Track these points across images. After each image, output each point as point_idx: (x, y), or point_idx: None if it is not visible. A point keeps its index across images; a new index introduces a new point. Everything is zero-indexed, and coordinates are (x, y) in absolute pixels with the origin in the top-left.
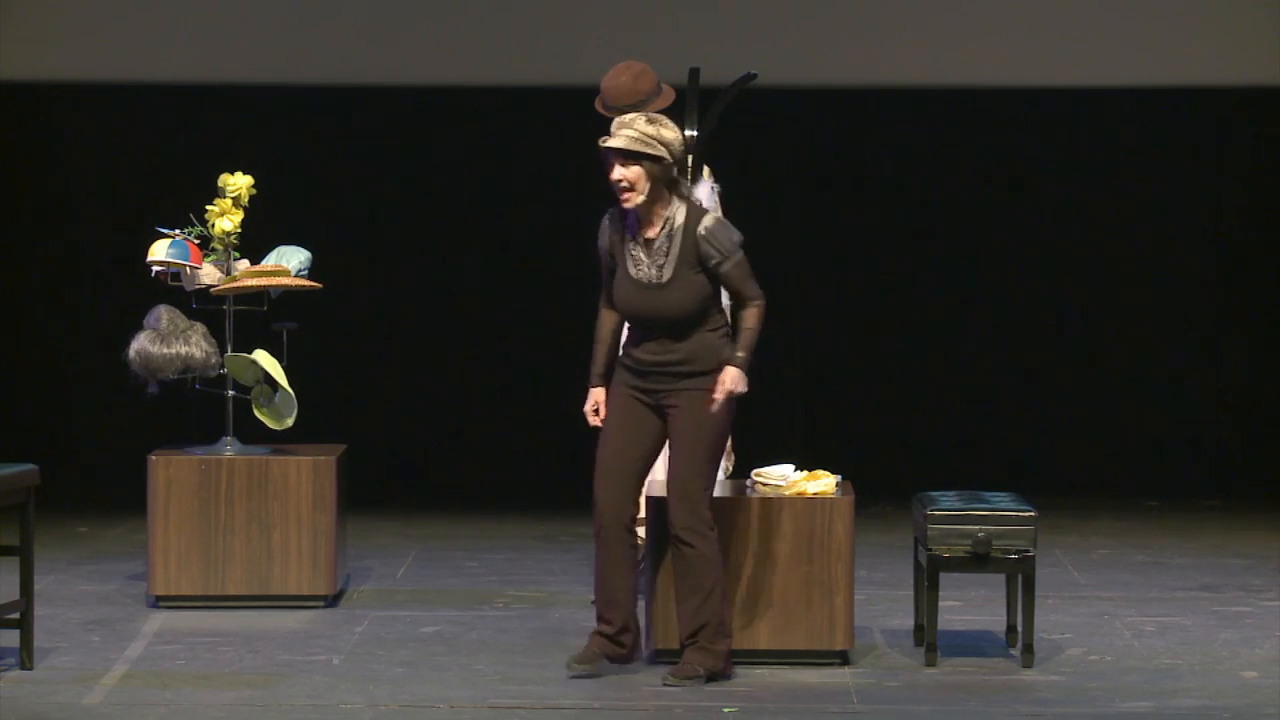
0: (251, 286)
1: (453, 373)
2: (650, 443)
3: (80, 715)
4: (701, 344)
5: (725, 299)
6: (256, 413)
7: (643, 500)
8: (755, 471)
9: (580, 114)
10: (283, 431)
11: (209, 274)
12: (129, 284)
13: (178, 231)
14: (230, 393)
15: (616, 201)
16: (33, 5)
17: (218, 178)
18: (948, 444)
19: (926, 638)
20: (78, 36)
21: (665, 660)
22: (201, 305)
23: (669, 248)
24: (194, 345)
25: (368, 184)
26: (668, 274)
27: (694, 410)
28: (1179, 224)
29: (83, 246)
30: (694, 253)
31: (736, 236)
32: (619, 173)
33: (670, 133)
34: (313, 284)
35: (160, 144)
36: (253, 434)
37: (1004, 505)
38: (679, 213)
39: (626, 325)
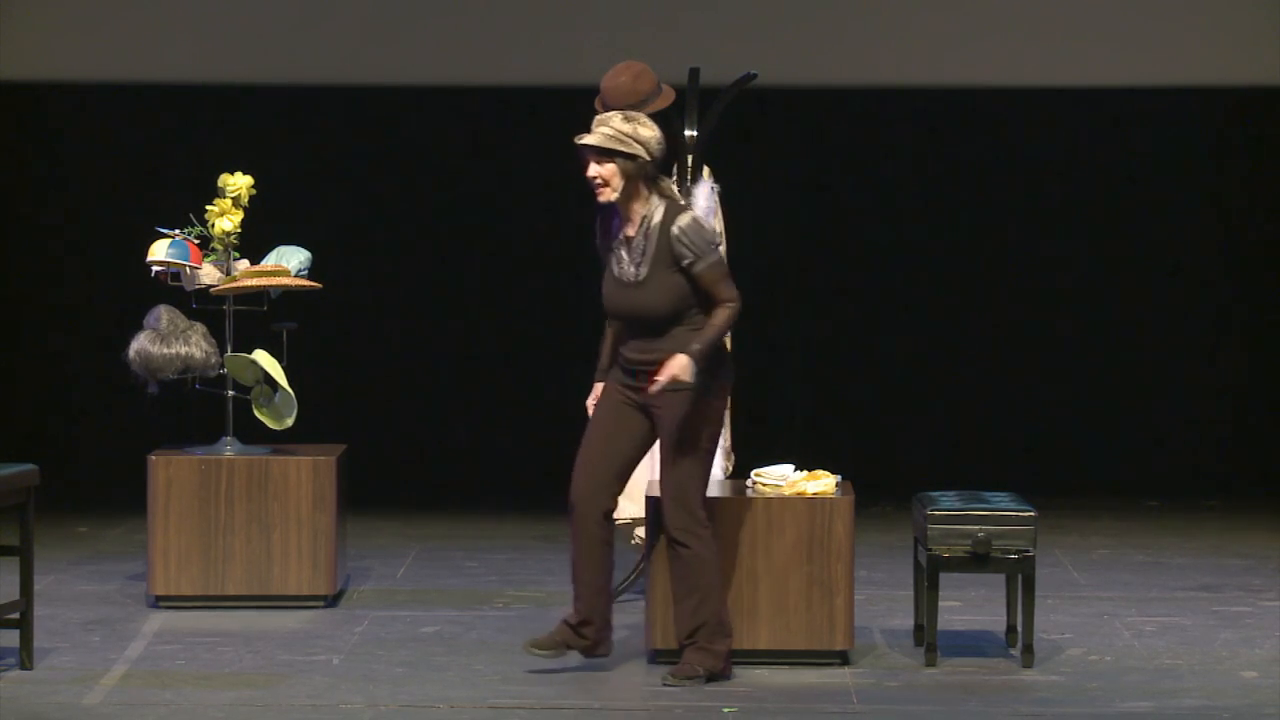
0: (251, 286)
1: (453, 373)
2: (634, 442)
3: (80, 715)
4: (682, 345)
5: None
6: (256, 413)
7: (643, 501)
8: (755, 471)
9: (580, 114)
10: (283, 431)
11: (209, 274)
12: (129, 284)
13: (178, 231)
14: (230, 393)
15: (594, 199)
16: (33, 5)
17: (218, 178)
18: (948, 444)
19: (926, 638)
20: (78, 36)
21: (665, 660)
22: (201, 305)
23: (646, 246)
24: (194, 345)
25: (368, 184)
26: (644, 272)
27: (679, 411)
28: (1179, 224)
29: (82, 246)
30: (669, 251)
31: (712, 236)
32: (593, 169)
33: (647, 131)
34: (313, 284)
35: (160, 144)
36: (253, 434)
37: (1004, 505)
38: (657, 211)
39: None
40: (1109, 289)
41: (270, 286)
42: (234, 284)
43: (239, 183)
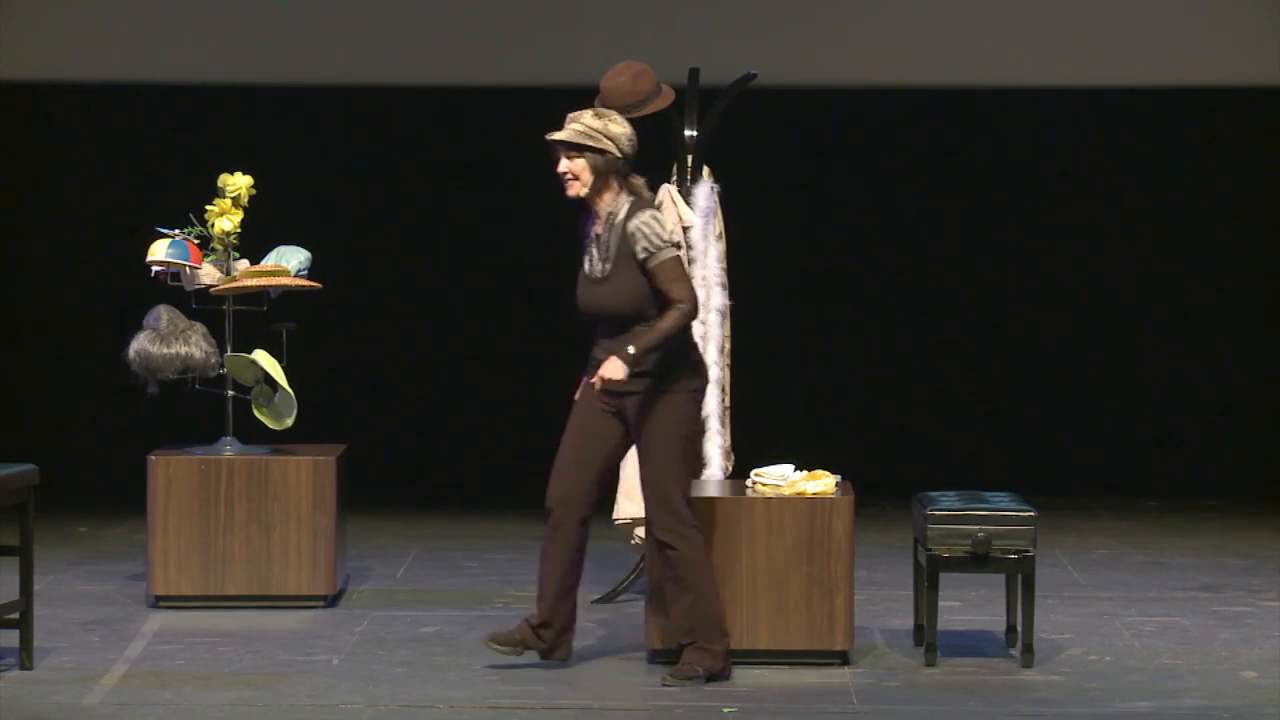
0: (251, 286)
1: (452, 373)
2: (610, 447)
3: (80, 715)
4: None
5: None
6: (256, 413)
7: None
8: (755, 471)
9: None
10: (283, 431)
11: (209, 274)
12: (129, 284)
13: (178, 231)
14: (230, 393)
15: (562, 191)
16: (33, 5)
17: (218, 178)
18: (948, 444)
19: (926, 638)
20: (78, 36)
21: (665, 660)
22: (201, 305)
23: (610, 242)
24: (194, 345)
25: (367, 184)
26: (608, 269)
27: (650, 415)
28: (1179, 224)
29: (82, 246)
30: (630, 247)
31: (668, 234)
32: (563, 164)
33: (618, 128)
34: (312, 284)
35: (160, 144)
36: (253, 434)
37: (1004, 505)
38: (623, 208)
39: None
40: (1109, 289)
41: (270, 286)
42: (234, 284)
43: (239, 183)
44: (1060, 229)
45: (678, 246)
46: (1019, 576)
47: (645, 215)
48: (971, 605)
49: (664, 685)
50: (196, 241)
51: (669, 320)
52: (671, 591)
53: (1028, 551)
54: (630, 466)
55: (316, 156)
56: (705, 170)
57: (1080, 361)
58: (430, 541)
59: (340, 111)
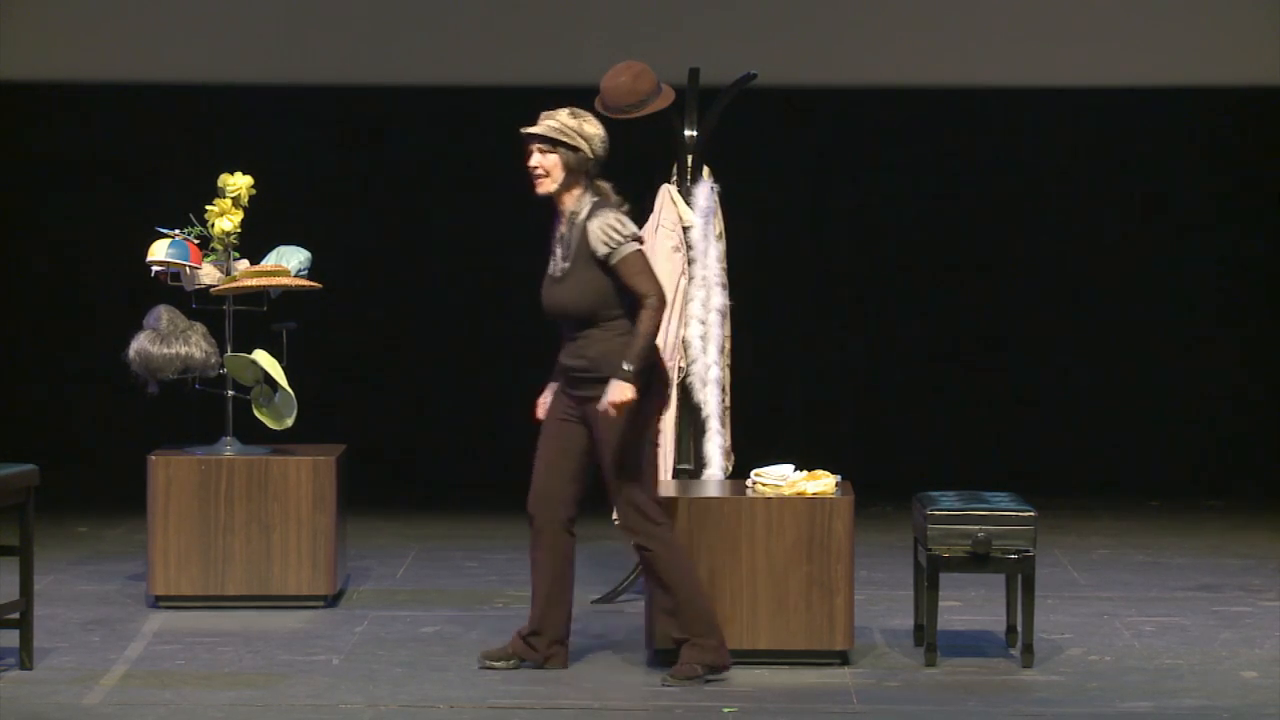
0: (251, 286)
1: (452, 373)
2: (581, 451)
3: (80, 715)
4: (604, 352)
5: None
6: (256, 413)
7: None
8: (755, 471)
9: None
10: (283, 431)
11: (209, 274)
12: (129, 284)
13: (178, 231)
14: (230, 393)
15: (531, 189)
16: (33, 5)
17: (218, 178)
18: (948, 444)
19: (926, 638)
20: (78, 36)
21: (665, 660)
22: (201, 305)
23: (570, 241)
24: (194, 345)
25: (367, 184)
26: (566, 267)
27: (603, 419)
28: (1179, 224)
29: (82, 246)
30: (589, 246)
31: (630, 230)
32: (536, 159)
33: (592, 128)
34: (312, 284)
35: (160, 144)
36: (253, 434)
37: (1004, 505)
38: (585, 207)
39: None
40: (1109, 288)
41: (270, 286)
42: (234, 284)
43: (239, 183)
44: (1060, 229)
45: (640, 241)
46: (1019, 576)
47: (607, 214)
48: (971, 605)
49: (664, 685)
50: (196, 241)
51: (645, 322)
52: (656, 594)
53: (1028, 551)
54: None
55: (316, 156)
56: (705, 170)
57: (1080, 361)
58: (430, 541)
59: (340, 111)
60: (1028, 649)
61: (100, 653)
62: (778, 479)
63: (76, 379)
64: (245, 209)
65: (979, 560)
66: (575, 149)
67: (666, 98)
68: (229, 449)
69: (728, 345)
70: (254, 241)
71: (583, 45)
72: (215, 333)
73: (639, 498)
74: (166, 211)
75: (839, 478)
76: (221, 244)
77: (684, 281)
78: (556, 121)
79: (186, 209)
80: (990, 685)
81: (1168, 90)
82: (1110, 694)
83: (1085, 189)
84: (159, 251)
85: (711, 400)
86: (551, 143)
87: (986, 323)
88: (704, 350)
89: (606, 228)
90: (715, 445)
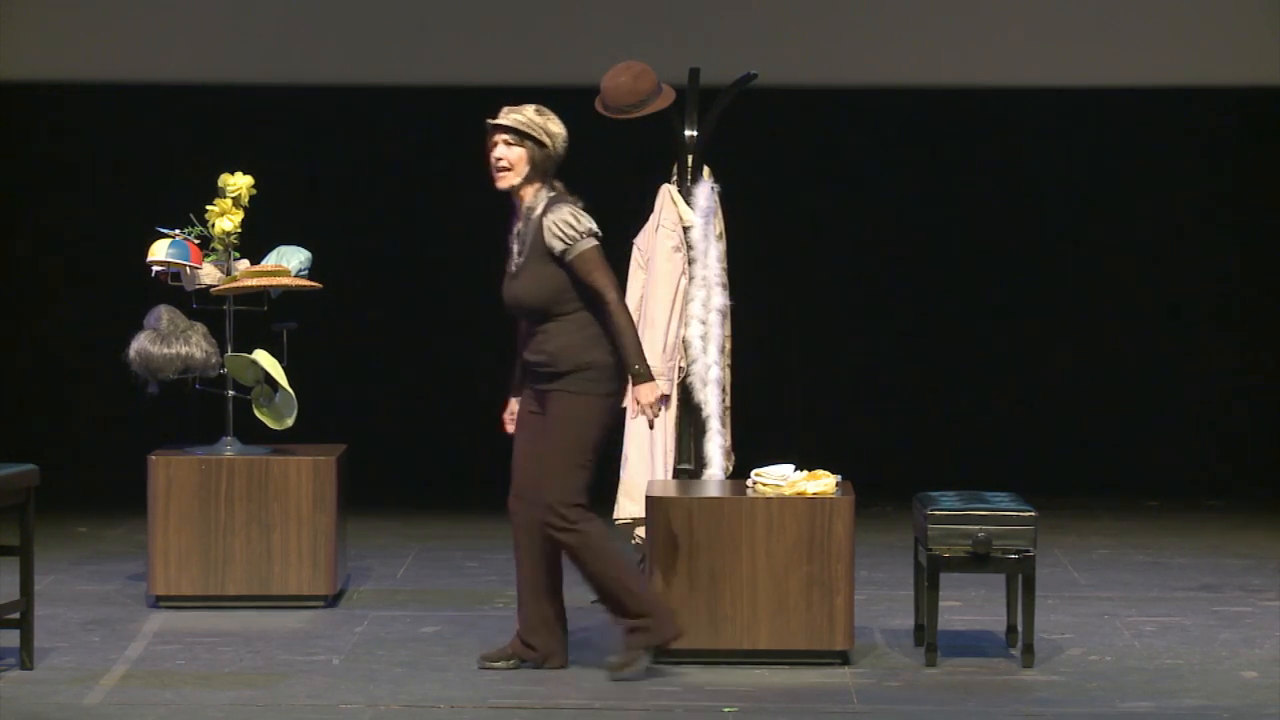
0: (251, 286)
1: (452, 373)
2: None
3: (80, 715)
4: (562, 346)
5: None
6: (256, 413)
7: (643, 501)
8: (755, 471)
9: (580, 114)
10: (283, 431)
11: (209, 274)
12: (129, 284)
13: (178, 231)
14: (230, 393)
15: (492, 182)
16: (33, 5)
17: (218, 178)
18: (948, 444)
19: (926, 638)
20: (78, 36)
21: (665, 660)
22: (201, 305)
23: (526, 236)
24: (194, 345)
25: (368, 184)
26: (521, 262)
27: (552, 414)
28: (1178, 224)
29: (82, 246)
30: (543, 242)
31: (585, 226)
32: (501, 151)
33: (556, 127)
34: (313, 284)
35: (160, 144)
36: (253, 434)
37: (1004, 505)
38: (541, 203)
39: None
40: (1108, 288)
41: (270, 286)
42: (234, 284)
43: (239, 183)
44: (1060, 229)
45: (597, 237)
46: (1019, 576)
47: (563, 210)
48: (972, 605)
49: (612, 679)
50: (197, 241)
51: (617, 320)
52: (584, 581)
53: (1028, 551)
54: (631, 467)
55: (316, 156)
56: (705, 170)
57: (1080, 361)
58: (430, 541)
59: (340, 111)
60: (1028, 649)
61: (100, 653)
62: (778, 479)
63: (76, 379)
64: (245, 209)
65: (979, 560)
66: (541, 144)
67: (667, 98)
68: (229, 449)
69: (728, 345)
70: (254, 241)
71: (583, 45)
72: (215, 333)
73: (557, 498)
74: (167, 211)
75: (839, 478)
76: (222, 244)
77: (684, 281)
78: (524, 117)
79: (187, 209)
80: (990, 685)
81: (1168, 90)
82: (1110, 694)
83: (1085, 189)
84: (159, 251)
85: (712, 400)
86: (519, 135)
87: (987, 322)
88: (704, 350)
89: (561, 223)
90: (716, 445)
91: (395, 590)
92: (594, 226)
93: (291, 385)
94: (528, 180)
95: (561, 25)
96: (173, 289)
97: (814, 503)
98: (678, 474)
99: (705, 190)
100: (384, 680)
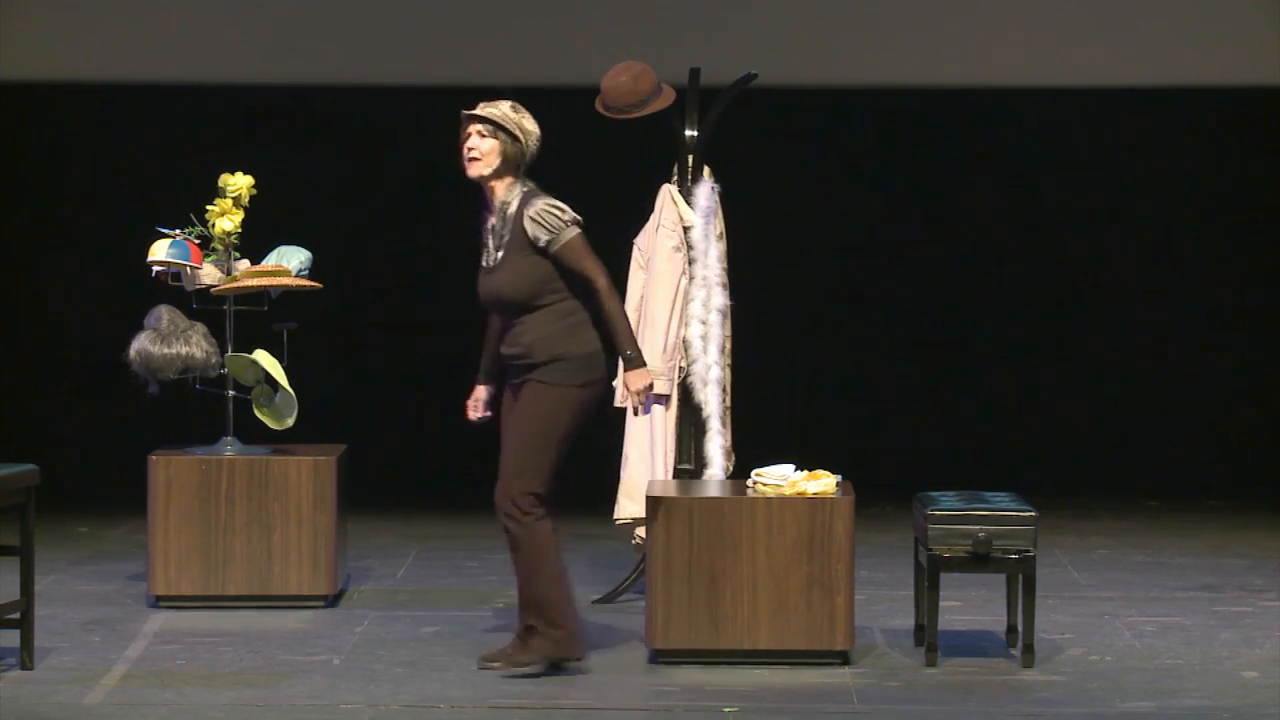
0: (251, 286)
1: (453, 373)
2: None
3: (80, 715)
4: (539, 336)
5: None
6: (257, 413)
7: (643, 501)
8: (755, 471)
9: (580, 114)
10: (283, 431)
11: (209, 274)
12: (129, 284)
13: (178, 231)
14: (230, 393)
15: (463, 172)
16: (33, 5)
17: (218, 178)
18: (948, 444)
19: (926, 638)
20: (78, 36)
21: (665, 660)
22: (202, 305)
23: (503, 231)
24: (194, 345)
25: (368, 184)
26: (500, 256)
27: (523, 401)
28: (1179, 224)
29: (83, 246)
30: (524, 235)
31: (569, 216)
32: (474, 141)
33: (530, 125)
34: (313, 284)
35: (160, 144)
36: (253, 434)
37: (1004, 505)
38: (516, 198)
39: None
40: (1109, 289)
41: (270, 286)
42: (234, 284)
43: (239, 183)
44: (1060, 229)
45: (580, 225)
46: (1019, 576)
47: (541, 203)
48: (972, 605)
49: (480, 668)
50: (197, 241)
51: (609, 306)
52: (514, 565)
53: (1028, 551)
54: (631, 467)
55: (316, 156)
56: (705, 170)
57: (1080, 361)
58: (430, 541)
59: (340, 111)
60: (1028, 649)
61: (101, 653)
62: (778, 479)
63: (76, 379)
64: (245, 209)
65: (979, 560)
66: (515, 139)
67: (667, 98)
68: (229, 449)
69: (728, 345)
70: (254, 241)
71: (583, 45)
72: (216, 333)
73: (517, 489)
74: (167, 211)
75: (839, 478)
76: (222, 244)
77: (684, 281)
78: (500, 111)
79: (187, 209)
80: (990, 685)
81: (1168, 90)
82: (1110, 694)
83: (1085, 189)
84: (160, 251)
85: (712, 400)
86: (494, 127)
87: (987, 323)
88: (704, 350)
89: (544, 213)
90: (716, 445)
91: (395, 590)
92: (575, 215)
93: (291, 385)
94: (498, 173)
95: (562, 25)
96: (173, 289)
97: (814, 503)
98: (678, 474)
99: (705, 190)
100: (384, 680)
